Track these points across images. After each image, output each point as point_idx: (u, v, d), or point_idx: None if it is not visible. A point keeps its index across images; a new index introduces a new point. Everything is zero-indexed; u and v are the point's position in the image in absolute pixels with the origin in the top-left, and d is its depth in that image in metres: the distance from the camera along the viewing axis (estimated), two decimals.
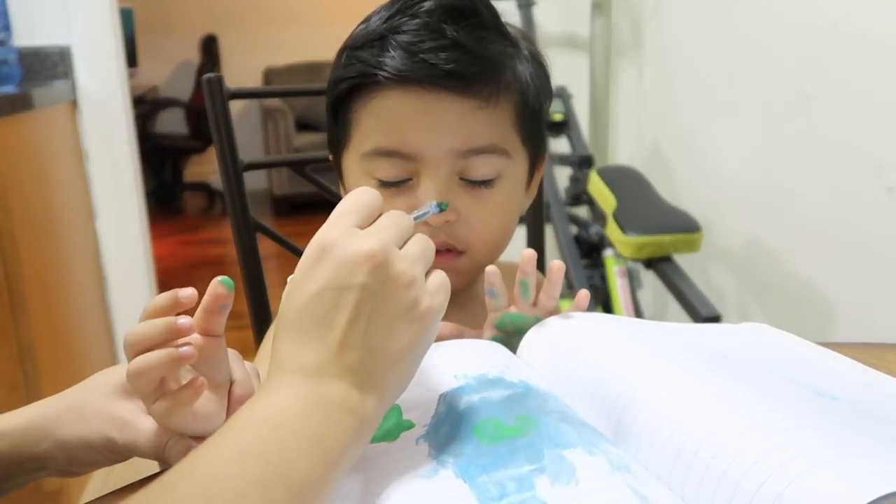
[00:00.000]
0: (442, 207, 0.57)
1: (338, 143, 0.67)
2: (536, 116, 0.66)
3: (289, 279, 0.42)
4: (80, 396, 0.51)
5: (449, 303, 0.68)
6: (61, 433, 0.49)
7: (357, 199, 0.44)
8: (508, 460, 0.40)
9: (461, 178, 0.62)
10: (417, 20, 0.59)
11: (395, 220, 0.44)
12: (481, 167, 0.62)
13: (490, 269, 0.56)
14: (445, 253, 0.64)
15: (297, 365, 0.39)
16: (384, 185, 0.62)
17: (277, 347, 0.40)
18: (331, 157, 0.73)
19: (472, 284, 0.73)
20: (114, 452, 0.49)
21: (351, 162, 0.66)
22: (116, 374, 0.51)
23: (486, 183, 0.62)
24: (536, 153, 0.69)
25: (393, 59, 0.59)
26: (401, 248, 0.42)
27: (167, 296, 0.46)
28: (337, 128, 0.66)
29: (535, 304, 0.58)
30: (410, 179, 0.62)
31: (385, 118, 0.61)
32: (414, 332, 0.41)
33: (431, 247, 0.45)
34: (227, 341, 0.48)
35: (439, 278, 0.44)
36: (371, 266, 0.40)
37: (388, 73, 0.59)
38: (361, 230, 0.42)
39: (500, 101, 0.62)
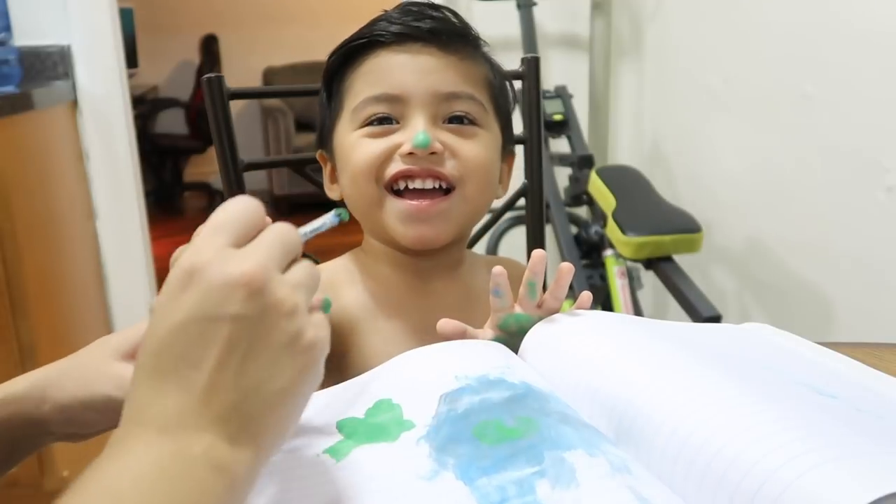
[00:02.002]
0: (342, 218, 0.47)
1: (331, 120, 0.71)
2: (504, 104, 0.73)
3: (151, 305, 0.36)
4: (79, 360, 0.51)
5: (440, 278, 0.69)
6: (61, 395, 0.50)
7: (232, 210, 0.37)
8: (509, 462, 0.40)
9: (445, 123, 0.67)
10: (399, 9, 0.69)
11: (278, 235, 0.37)
12: (463, 107, 0.67)
13: (497, 269, 0.57)
14: (432, 194, 0.65)
15: (153, 416, 0.33)
16: (373, 125, 0.66)
17: (130, 393, 0.34)
18: (319, 153, 0.76)
19: (460, 265, 0.74)
20: (114, 412, 0.48)
21: (342, 125, 0.69)
22: (114, 339, 0.52)
23: (469, 122, 0.67)
24: (506, 138, 0.73)
25: (383, 26, 0.67)
26: (284, 271, 0.37)
27: None
28: (331, 104, 0.72)
29: (539, 305, 0.58)
30: (398, 122, 0.66)
31: (375, 72, 0.67)
32: (298, 367, 0.35)
33: (317, 274, 0.39)
34: None
35: (321, 316, 0.38)
36: (247, 292, 0.34)
37: (378, 32, 0.67)
38: (237, 249, 0.36)
39: (475, 63, 0.69)
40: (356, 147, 0.66)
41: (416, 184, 0.65)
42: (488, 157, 0.68)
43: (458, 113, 0.67)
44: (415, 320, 0.68)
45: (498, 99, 0.71)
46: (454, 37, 0.68)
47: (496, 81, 0.72)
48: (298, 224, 0.42)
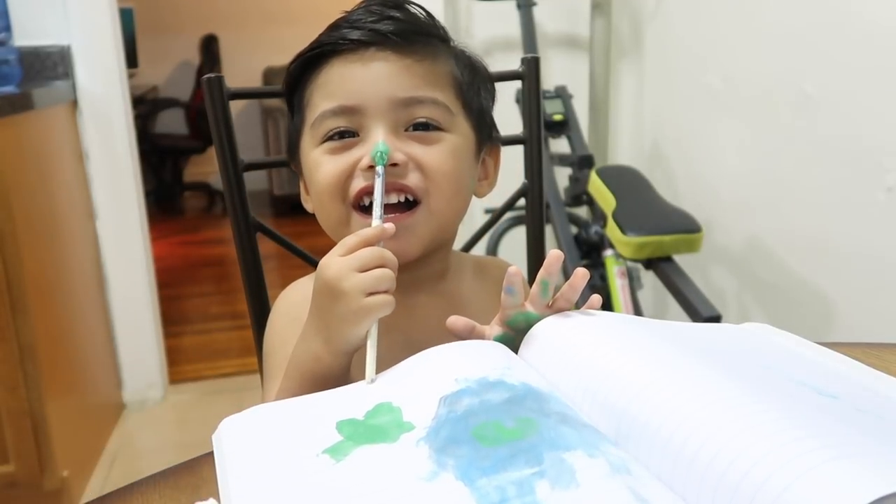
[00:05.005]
0: (383, 162, 0.61)
1: (295, 133, 0.70)
2: (476, 99, 0.69)
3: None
4: None
5: (423, 291, 0.69)
6: None
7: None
8: (508, 463, 0.40)
9: (406, 130, 0.64)
10: (362, 8, 0.67)
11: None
12: (425, 113, 0.65)
13: (513, 269, 0.56)
14: (398, 208, 0.64)
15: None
16: (333, 140, 0.65)
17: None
18: (292, 165, 0.73)
19: (445, 275, 0.72)
20: None
21: (306, 140, 0.68)
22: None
23: (431, 129, 0.65)
24: (483, 133, 0.70)
25: (340, 33, 0.65)
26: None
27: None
28: (294, 117, 0.70)
29: (550, 305, 0.58)
30: (358, 135, 0.64)
31: (330, 83, 0.65)
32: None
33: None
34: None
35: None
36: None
37: (328, 41, 0.65)
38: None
39: (437, 62, 0.66)
40: (318, 166, 0.65)
41: None
42: (455, 165, 0.65)
43: (420, 119, 0.64)
44: (399, 338, 0.65)
45: (467, 95, 0.68)
46: (413, 36, 0.65)
47: (464, 77, 0.68)
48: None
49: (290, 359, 0.60)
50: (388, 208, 0.63)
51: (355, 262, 0.56)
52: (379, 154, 0.61)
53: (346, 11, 0.68)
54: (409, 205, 0.65)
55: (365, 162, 0.62)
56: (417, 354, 0.54)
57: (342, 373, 0.58)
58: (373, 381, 0.53)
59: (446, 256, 0.72)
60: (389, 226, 0.58)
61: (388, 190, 0.63)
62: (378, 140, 0.62)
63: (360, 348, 0.57)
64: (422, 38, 0.66)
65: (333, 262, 0.56)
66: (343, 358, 0.57)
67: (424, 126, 0.65)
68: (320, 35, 0.67)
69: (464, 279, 0.74)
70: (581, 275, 0.56)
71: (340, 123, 0.64)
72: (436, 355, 0.53)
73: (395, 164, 0.62)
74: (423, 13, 0.68)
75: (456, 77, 0.67)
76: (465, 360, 0.52)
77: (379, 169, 0.61)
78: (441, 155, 0.64)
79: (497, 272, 0.75)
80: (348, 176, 0.64)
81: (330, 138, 0.65)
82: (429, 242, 0.66)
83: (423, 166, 0.64)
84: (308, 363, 0.58)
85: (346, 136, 0.64)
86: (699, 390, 0.42)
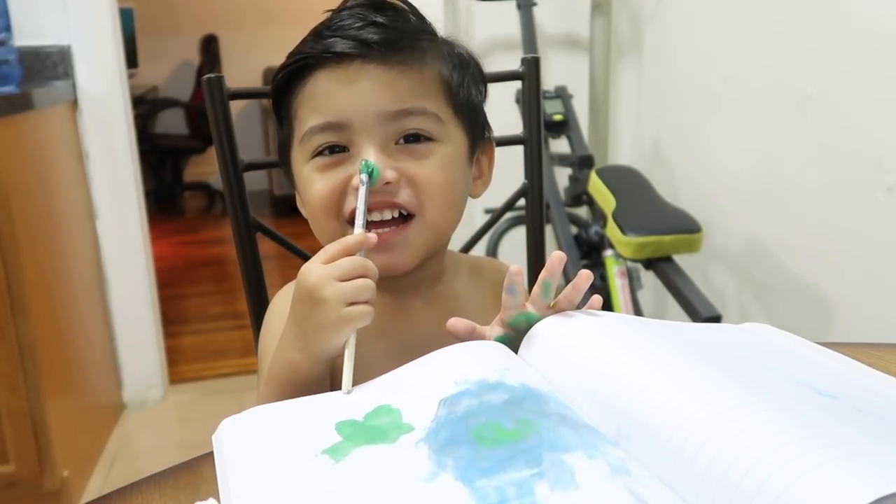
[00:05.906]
0: (372, 174, 0.61)
1: (285, 142, 0.69)
2: (467, 98, 0.68)
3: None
4: None
5: (419, 295, 0.69)
6: None
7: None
8: (508, 464, 0.40)
9: (397, 144, 0.64)
10: (345, 12, 0.65)
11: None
12: (414, 125, 0.64)
13: (514, 267, 0.56)
14: (391, 224, 0.64)
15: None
16: (323, 156, 0.64)
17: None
18: (284, 173, 0.73)
19: (440, 278, 0.71)
20: None
21: (296, 152, 0.67)
22: None
23: (422, 140, 0.64)
24: (475, 133, 0.70)
25: (324, 44, 0.63)
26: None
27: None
28: (283, 129, 0.69)
29: (551, 306, 0.57)
30: (348, 149, 0.63)
31: (316, 97, 0.64)
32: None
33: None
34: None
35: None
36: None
37: (314, 52, 0.63)
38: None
39: (423, 69, 0.65)
40: (310, 183, 0.64)
41: (374, 216, 0.63)
42: (448, 176, 0.65)
43: (410, 131, 0.63)
44: (396, 342, 0.65)
45: (458, 96, 0.67)
46: (398, 42, 0.63)
47: (454, 77, 0.67)
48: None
49: (269, 366, 0.60)
50: (382, 223, 0.63)
51: (336, 270, 0.55)
52: (364, 163, 0.60)
53: (330, 11, 0.66)
54: (404, 218, 0.64)
55: (356, 181, 0.61)
56: (416, 360, 0.53)
57: (320, 379, 0.57)
58: (349, 392, 0.52)
59: (441, 260, 0.72)
60: (372, 235, 0.58)
61: (381, 207, 0.62)
62: (367, 159, 0.61)
63: (338, 356, 0.56)
64: (408, 42, 0.64)
65: (314, 270, 0.56)
66: (319, 366, 0.57)
67: (415, 137, 0.64)
68: (303, 42, 0.66)
69: (459, 280, 0.73)
70: (585, 277, 0.56)
71: (329, 139, 0.63)
72: (435, 359, 0.53)
73: (387, 183, 0.62)
74: (407, 9, 0.67)
75: (445, 79, 0.66)
76: (464, 362, 0.52)
77: (363, 177, 0.60)
78: (433, 168, 0.64)
79: (493, 273, 0.75)
80: (341, 193, 0.63)
81: (320, 153, 0.64)
82: (424, 254, 0.66)
83: (416, 181, 0.63)
84: (285, 372, 0.58)
85: (336, 150, 0.64)
86: (699, 390, 0.42)
